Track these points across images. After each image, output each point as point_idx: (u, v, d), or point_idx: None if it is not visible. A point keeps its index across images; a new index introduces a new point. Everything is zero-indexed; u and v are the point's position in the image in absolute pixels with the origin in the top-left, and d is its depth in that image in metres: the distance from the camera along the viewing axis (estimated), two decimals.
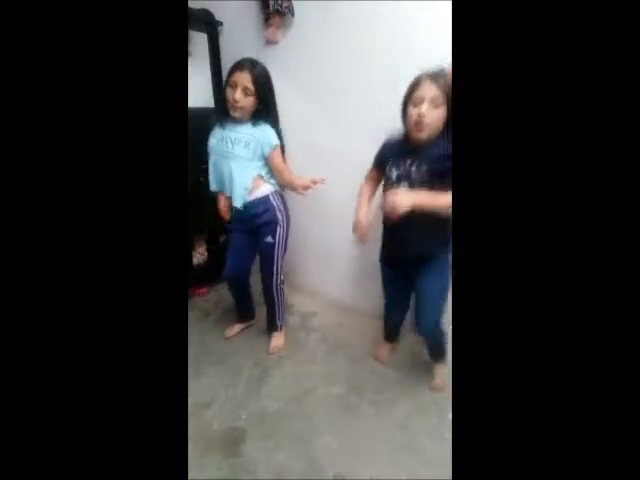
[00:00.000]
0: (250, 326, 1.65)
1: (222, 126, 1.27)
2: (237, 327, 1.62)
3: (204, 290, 1.93)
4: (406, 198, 0.97)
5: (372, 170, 1.20)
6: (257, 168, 1.28)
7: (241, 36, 1.70)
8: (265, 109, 1.24)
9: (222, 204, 1.41)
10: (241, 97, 1.18)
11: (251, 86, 1.17)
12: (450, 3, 0.62)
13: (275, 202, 1.33)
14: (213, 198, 1.42)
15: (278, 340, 1.55)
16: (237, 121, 1.25)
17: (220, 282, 2.02)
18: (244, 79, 1.16)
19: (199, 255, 1.92)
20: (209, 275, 1.96)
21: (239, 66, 1.18)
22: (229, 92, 1.19)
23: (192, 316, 1.73)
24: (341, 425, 1.18)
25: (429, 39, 1.26)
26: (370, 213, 1.16)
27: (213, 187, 1.36)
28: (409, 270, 1.18)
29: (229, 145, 1.25)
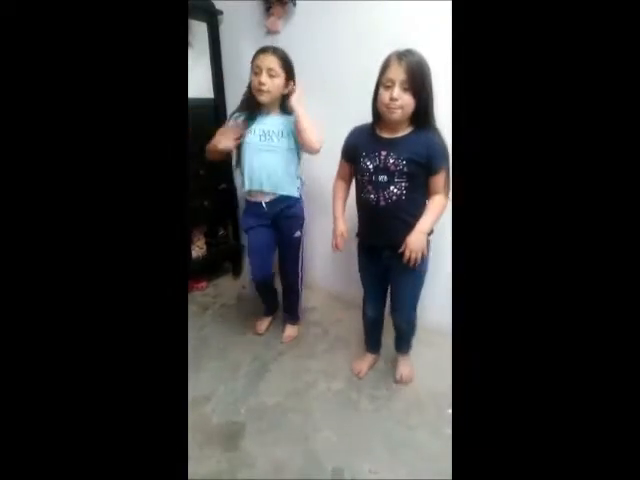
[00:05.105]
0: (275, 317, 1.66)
1: (253, 120, 1.24)
2: (267, 321, 1.61)
3: (203, 284, 1.92)
4: (421, 240, 1.03)
5: (342, 165, 1.16)
6: (298, 155, 1.31)
7: (242, 25, 1.67)
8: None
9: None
10: (266, 79, 1.16)
11: (276, 67, 1.16)
12: None
13: (301, 197, 1.35)
14: (213, 192, 1.38)
15: (294, 330, 1.57)
16: (266, 112, 1.24)
17: (219, 276, 2.02)
18: (268, 61, 1.15)
19: (198, 248, 1.90)
20: (208, 269, 1.94)
21: (261, 50, 1.18)
22: (254, 78, 1.18)
23: (191, 310, 1.72)
24: (340, 420, 1.18)
25: (430, 28, 1.24)
26: (346, 218, 1.17)
27: (253, 186, 1.27)
28: (385, 259, 1.14)
29: (273, 139, 1.23)
